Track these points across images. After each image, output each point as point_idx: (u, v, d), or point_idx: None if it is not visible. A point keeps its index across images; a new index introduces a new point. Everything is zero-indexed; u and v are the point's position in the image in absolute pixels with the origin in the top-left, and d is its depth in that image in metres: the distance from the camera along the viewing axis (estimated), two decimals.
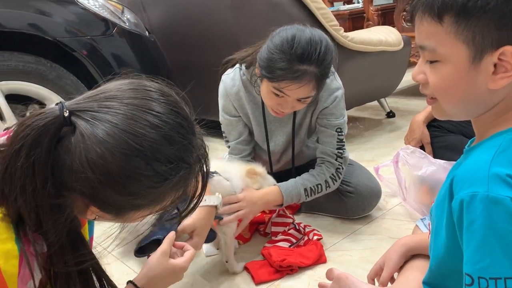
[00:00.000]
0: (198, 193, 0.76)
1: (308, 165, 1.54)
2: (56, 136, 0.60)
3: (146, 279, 0.89)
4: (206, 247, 1.47)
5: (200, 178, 0.74)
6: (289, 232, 1.47)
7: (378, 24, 3.46)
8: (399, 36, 2.56)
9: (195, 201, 0.78)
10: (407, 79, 2.96)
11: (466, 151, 0.72)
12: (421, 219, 1.16)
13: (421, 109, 1.76)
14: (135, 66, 2.01)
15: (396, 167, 1.64)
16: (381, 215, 1.61)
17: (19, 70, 1.71)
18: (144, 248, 1.06)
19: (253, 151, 1.61)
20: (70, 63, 1.84)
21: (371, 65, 2.42)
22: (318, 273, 1.30)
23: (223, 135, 1.58)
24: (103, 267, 0.73)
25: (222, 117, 1.54)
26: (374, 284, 1.03)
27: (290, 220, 1.52)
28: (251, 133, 1.59)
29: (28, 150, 0.59)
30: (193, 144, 0.68)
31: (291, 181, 1.46)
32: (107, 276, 0.73)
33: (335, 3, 4.75)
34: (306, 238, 1.45)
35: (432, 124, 1.72)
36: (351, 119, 2.94)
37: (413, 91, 3.50)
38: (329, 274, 0.93)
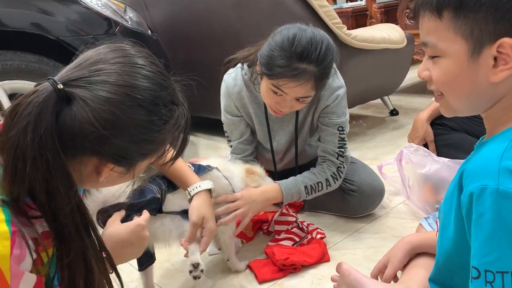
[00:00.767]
0: (183, 137, 0.82)
1: (311, 164, 1.54)
2: (55, 109, 0.64)
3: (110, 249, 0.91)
4: (209, 247, 1.46)
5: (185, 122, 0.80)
6: (292, 230, 1.47)
7: (381, 22, 3.45)
8: (402, 33, 2.55)
9: (184, 141, 0.83)
10: (411, 77, 2.95)
11: (476, 147, 0.72)
12: (425, 218, 1.15)
13: (425, 107, 1.76)
14: None
15: (400, 165, 1.64)
16: (384, 214, 1.60)
17: (21, 69, 1.71)
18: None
19: (255, 151, 1.60)
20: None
21: (374, 63, 2.42)
22: (321, 272, 1.30)
23: (225, 134, 1.57)
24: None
25: (224, 117, 1.54)
26: None
27: (293, 219, 1.52)
28: (253, 132, 1.58)
29: (34, 126, 0.63)
30: (175, 88, 0.76)
31: (291, 178, 1.45)
32: (101, 240, 0.76)
33: (338, 1, 4.74)
34: (309, 236, 1.45)
35: (436, 122, 1.71)
36: (354, 117, 2.94)
37: (417, 89, 3.49)
38: (338, 268, 0.94)
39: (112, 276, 0.78)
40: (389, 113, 2.90)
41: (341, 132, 1.44)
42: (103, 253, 0.76)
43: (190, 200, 1.15)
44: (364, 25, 3.52)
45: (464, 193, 0.61)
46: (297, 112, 1.48)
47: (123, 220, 0.99)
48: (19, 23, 1.69)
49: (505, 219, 0.56)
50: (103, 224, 0.98)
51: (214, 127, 2.18)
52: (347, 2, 4.58)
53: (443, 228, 0.73)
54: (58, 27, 1.76)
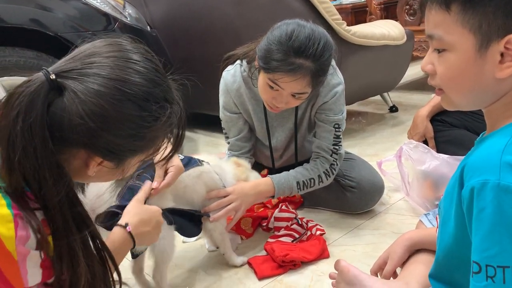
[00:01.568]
0: (179, 135, 0.82)
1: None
2: (46, 99, 0.65)
3: (133, 224, 0.96)
4: (208, 243, 1.47)
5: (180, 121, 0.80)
6: (292, 227, 1.47)
7: (381, 18, 3.44)
8: (402, 30, 2.55)
9: (178, 143, 0.84)
10: (410, 73, 2.95)
11: (477, 142, 0.71)
12: (425, 214, 1.16)
13: (424, 103, 1.75)
14: None
15: (399, 162, 1.64)
16: (384, 210, 1.60)
17: (20, 65, 1.70)
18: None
19: (253, 148, 1.60)
20: None
21: (374, 59, 2.41)
22: (321, 268, 1.30)
23: (223, 131, 1.57)
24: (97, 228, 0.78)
25: (222, 114, 1.54)
26: None
27: (293, 215, 1.52)
28: (251, 130, 1.58)
29: (24, 115, 0.64)
30: (169, 86, 0.76)
31: (284, 173, 1.45)
32: (100, 237, 0.77)
33: None
34: (309, 233, 1.45)
35: (436, 119, 1.71)
36: (353, 114, 2.94)
37: (416, 85, 3.49)
38: (336, 266, 0.94)
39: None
40: (389, 109, 2.89)
41: (337, 129, 1.44)
42: (101, 250, 0.76)
43: None
44: (364, 21, 3.51)
45: (465, 188, 0.61)
46: (296, 109, 1.48)
47: (109, 221, 1.01)
48: (17, 19, 1.68)
49: (506, 214, 0.56)
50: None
51: (213, 124, 2.17)
52: None
53: (444, 223, 0.73)
54: (57, 23, 1.75)
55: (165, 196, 1.16)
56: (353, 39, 2.17)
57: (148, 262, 1.24)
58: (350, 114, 2.99)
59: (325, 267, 1.30)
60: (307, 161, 1.51)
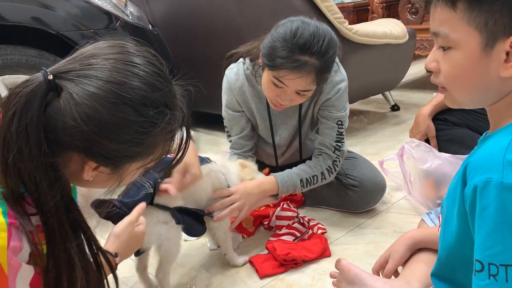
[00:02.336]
0: (184, 141, 0.81)
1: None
2: (43, 100, 0.63)
3: (115, 245, 0.94)
4: (209, 241, 1.47)
5: (184, 127, 0.78)
6: (293, 226, 1.47)
7: (383, 17, 3.43)
8: (404, 28, 2.54)
9: (183, 149, 0.82)
10: (412, 72, 2.94)
11: (480, 141, 0.71)
12: (427, 213, 1.15)
13: (426, 102, 1.75)
14: None
15: (401, 160, 1.64)
16: (385, 209, 1.60)
17: (22, 63, 1.71)
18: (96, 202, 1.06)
19: (254, 147, 1.60)
20: None
21: (376, 58, 2.41)
22: (322, 267, 1.30)
23: (225, 129, 1.57)
24: (93, 231, 0.76)
25: (225, 112, 1.54)
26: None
27: (295, 214, 1.52)
28: (253, 128, 1.58)
29: (20, 115, 0.62)
30: (172, 91, 0.73)
31: (287, 171, 1.45)
32: (94, 236, 0.75)
33: None
34: (310, 232, 1.45)
35: (438, 117, 1.71)
36: (355, 113, 2.93)
37: (418, 84, 3.48)
38: (337, 264, 0.94)
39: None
40: (390, 108, 2.89)
41: (339, 126, 1.44)
42: (98, 254, 0.75)
43: None
44: (366, 20, 3.50)
45: (468, 186, 0.61)
46: (300, 106, 1.48)
47: (116, 216, 1.00)
48: (19, 18, 1.69)
49: (509, 212, 0.56)
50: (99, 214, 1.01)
51: (215, 122, 2.17)
52: None
53: (446, 222, 0.73)
54: (58, 22, 1.76)
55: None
56: (354, 37, 2.17)
57: (151, 260, 1.24)
58: (351, 112, 2.95)
59: (326, 266, 1.30)
60: (309, 158, 1.51)
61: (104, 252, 0.77)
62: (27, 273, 0.63)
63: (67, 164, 0.68)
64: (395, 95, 3.01)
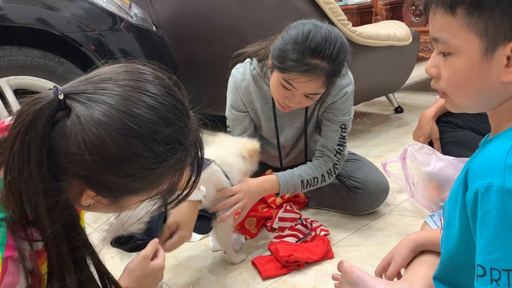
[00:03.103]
0: (193, 179, 0.76)
1: None
2: (51, 120, 0.60)
3: (128, 280, 0.90)
4: (212, 242, 1.47)
5: (195, 164, 0.74)
6: (296, 227, 1.47)
7: (387, 19, 3.43)
8: (407, 30, 2.54)
9: (190, 187, 0.78)
10: (416, 74, 2.94)
11: (481, 144, 0.71)
12: (430, 216, 1.15)
13: (430, 104, 1.75)
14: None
15: (404, 163, 1.63)
16: (388, 211, 1.60)
17: (27, 65, 1.71)
18: (120, 239, 1.04)
19: None
20: (77, 58, 1.84)
21: (379, 60, 2.40)
22: (325, 269, 1.29)
23: (228, 129, 1.56)
24: (101, 259, 0.73)
25: (229, 112, 1.54)
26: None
27: (297, 216, 1.52)
28: (256, 129, 1.58)
29: (24, 134, 0.59)
30: (188, 126, 0.68)
31: (289, 171, 1.45)
32: (105, 268, 0.73)
33: None
34: (313, 233, 1.45)
35: (441, 120, 1.71)
36: (359, 115, 2.93)
37: (422, 86, 3.47)
38: (339, 267, 0.94)
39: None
40: (394, 110, 2.89)
41: (343, 130, 1.44)
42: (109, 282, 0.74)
43: None
44: (369, 22, 3.50)
45: (469, 190, 0.61)
46: (306, 108, 1.48)
47: (142, 247, 0.96)
48: (24, 19, 1.70)
49: (511, 217, 0.56)
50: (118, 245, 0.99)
51: (218, 124, 2.17)
52: None
53: (448, 226, 0.73)
54: (63, 23, 1.77)
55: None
56: (358, 39, 2.17)
57: None
58: (355, 114, 2.96)
59: (329, 267, 1.30)
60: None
61: (116, 281, 0.75)
62: None
63: (66, 187, 0.64)
64: (399, 97, 3.00)
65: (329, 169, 1.46)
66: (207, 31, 2.43)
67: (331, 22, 2.05)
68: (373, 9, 3.70)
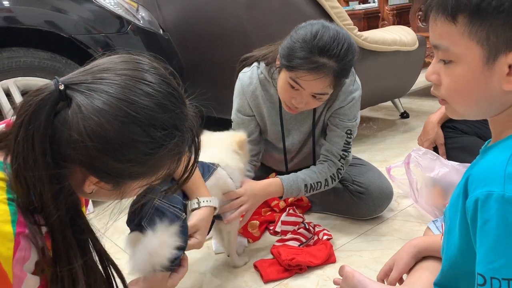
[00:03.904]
0: (191, 162, 0.80)
1: None
2: (53, 110, 0.63)
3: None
4: (215, 245, 1.47)
5: (193, 149, 0.77)
6: (299, 231, 1.47)
7: (393, 24, 3.43)
8: (414, 36, 2.53)
9: (189, 170, 0.81)
10: (422, 79, 2.92)
11: (482, 151, 0.71)
12: (433, 221, 1.14)
13: (436, 110, 1.74)
14: None
15: (408, 168, 1.63)
16: (392, 216, 1.59)
17: (34, 66, 1.73)
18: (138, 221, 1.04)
19: (260, 153, 1.60)
20: (85, 60, 1.85)
21: (385, 65, 2.40)
22: (327, 273, 1.29)
23: None
24: (103, 245, 0.76)
25: (235, 115, 1.54)
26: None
27: (300, 220, 1.52)
28: (261, 134, 1.58)
29: (28, 124, 0.62)
30: (184, 113, 0.71)
31: (293, 175, 1.45)
32: (107, 253, 0.76)
33: (350, 3, 4.72)
34: (315, 237, 1.45)
35: (447, 125, 1.70)
36: (365, 119, 2.93)
37: (428, 92, 3.45)
38: (340, 271, 0.94)
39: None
40: (400, 115, 2.88)
41: (348, 135, 1.44)
42: (108, 267, 0.76)
43: (195, 209, 1.14)
44: (376, 27, 3.50)
45: (469, 199, 0.61)
46: (314, 111, 1.48)
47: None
48: (33, 21, 1.71)
49: (511, 226, 0.56)
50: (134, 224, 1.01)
51: (224, 127, 2.18)
52: (359, 4, 4.56)
53: (449, 233, 0.72)
54: (71, 25, 1.78)
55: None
56: (364, 44, 2.17)
57: None
58: (361, 119, 2.96)
59: (331, 272, 1.29)
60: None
61: (116, 265, 0.77)
62: (32, 284, 0.64)
63: (70, 175, 0.67)
64: (405, 103, 2.99)
65: (333, 174, 1.46)
66: (214, 35, 2.44)
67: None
68: (380, 14, 3.70)
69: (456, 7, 0.61)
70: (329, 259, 1.34)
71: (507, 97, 0.63)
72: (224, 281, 1.31)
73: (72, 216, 0.67)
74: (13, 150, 0.63)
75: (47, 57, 1.75)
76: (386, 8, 3.55)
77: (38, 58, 1.73)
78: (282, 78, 1.30)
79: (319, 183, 1.45)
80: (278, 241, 1.45)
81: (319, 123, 1.52)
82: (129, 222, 1.06)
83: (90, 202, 1.78)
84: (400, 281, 0.99)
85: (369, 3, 4.47)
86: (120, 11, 1.94)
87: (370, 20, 3.84)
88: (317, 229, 1.48)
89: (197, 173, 1.16)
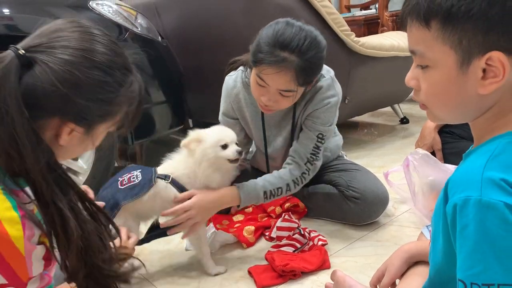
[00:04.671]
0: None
1: None
2: (18, 72, 0.70)
3: None
4: (186, 242, 1.50)
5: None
6: (294, 237, 1.46)
7: (393, 30, 3.43)
8: None
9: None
10: None
11: (464, 156, 0.71)
12: (427, 226, 1.14)
13: None
14: (148, 70, 2.04)
15: (407, 171, 1.61)
16: (388, 222, 1.59)
17: None
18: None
19: (246, 154, 1.61)
20: None
21: (384, 70, 2.40)
22: (321, 279, 1.28)
23: None
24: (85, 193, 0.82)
25: (221, 117, 1.57)
26: None
27: (296, 225, 1.51)
28: (247, 136, 1.59)
29: None
30: (127, 56, 0.82)
31: (252, 182, 1.40)
32: (85, 194, 0.80)
33: (351, 9, 4.74)
34: (311, 243, 1.44)
35: (444, 130, 1.70)
36: (365, 125, 2.93)
37: None
38: (332, 276, 0.94)
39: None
40: (399, 121, 2.87)
41: (319, 139, 1.43)
42: (91, 207, 0.81)
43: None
44: (376, 32, 3.50)
45: (448, 204, 0.60)
46: (293, 117, 1.48)
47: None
48: (32, 29, 1.73)
49: (489, 231, 0.55)
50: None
51: None
52: (360, 10, 4.58)
53: (434, 239, 0.72)
54: None
55: (129, 218, 1.28)
56: (361, 50, 2.17)
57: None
58: (361, 125, 2.98)
59: (325, 277, 1.28)
60: None
61: (96, 205, 0.83)
62: (39, 252, 0.72)
63: (43, 131, 0.74)
64: (405, 108, 2.99)
65: (296, 178, 1.44)
66: (212, 42, 2.45)
67: (334, 32, 2.06)
68: (379, 20, 3.70)
69: (428, 12, 0.62)
70: (323, 265, 1.33)
71: (483, 101, 0.63)
72: (218, 286, 1.30)
73: (51, 164, 0.73)
74: None
75: None
76: (386, 14, 3.56)
77: None
78: (252, 76, 1.33)
79: (279, 189, 1.42)
80: (273, 246, 1.45)
81: (297, 128, 1.52)
82: None
83: None
84: (393, 286, 0.99)
85: (371, 9, 4.49)
86: (118, 19, 1.96)
87: (370, 26, 3.84)
88: (312, 234, 1.48)
89: None
